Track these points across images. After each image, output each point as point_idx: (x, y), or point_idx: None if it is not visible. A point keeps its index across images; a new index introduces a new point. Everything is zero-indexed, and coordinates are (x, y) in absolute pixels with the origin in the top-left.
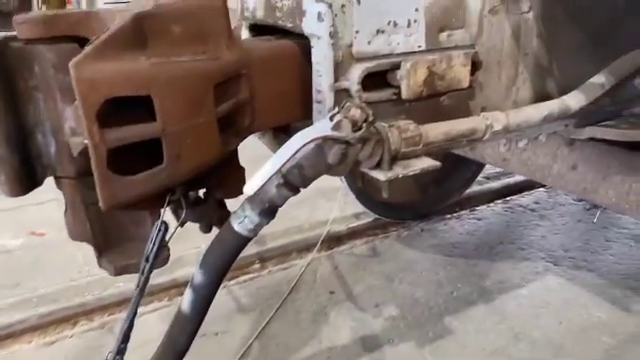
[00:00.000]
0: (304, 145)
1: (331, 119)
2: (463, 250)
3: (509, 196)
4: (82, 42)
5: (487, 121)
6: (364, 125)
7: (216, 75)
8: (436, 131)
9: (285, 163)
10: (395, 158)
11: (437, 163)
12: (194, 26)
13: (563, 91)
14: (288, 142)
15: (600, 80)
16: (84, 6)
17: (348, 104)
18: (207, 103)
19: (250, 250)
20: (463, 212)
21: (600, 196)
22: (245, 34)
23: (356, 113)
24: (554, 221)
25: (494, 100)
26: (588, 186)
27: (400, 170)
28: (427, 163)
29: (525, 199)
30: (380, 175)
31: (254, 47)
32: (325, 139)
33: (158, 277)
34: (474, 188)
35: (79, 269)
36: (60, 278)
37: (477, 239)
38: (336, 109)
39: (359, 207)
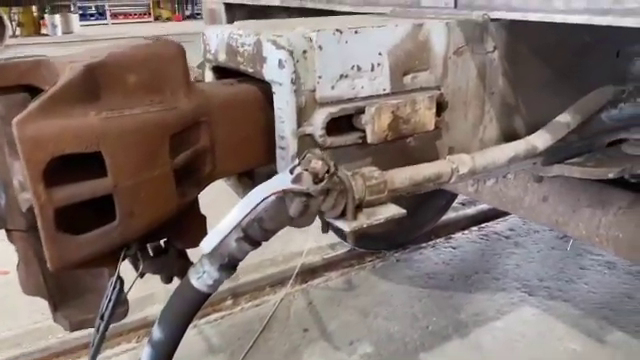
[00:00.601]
0: (264, 199)
1: (291, 172)
2: (438, 281)
3: (484, 222)
4: (34, 91)
5: (453, 164)
6: (326, 176)
7: (172, 125)
8: (401, 176)
9: (245, 217)
10: (360, 207)
11: (403, 211)
12: (149, 76)
13: (531, 128)
14: (247, 196)
15: (566, 119)
16: (59, 30)
17: (309, 155)
18: (162, 155)
19: (222, 286)
20: (439, 240)
21: (571, 229)
22: (209, 75)
23: (317, 165)
24: (529, 248)
25: (461, 140)
26: (559, 219)
27: (364, 220)
28: (393, 211)
29: (500, 226)
30: (344, 225)
31: (215, 93)
32: (286, 192)
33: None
34: (449, 214)
35: (43, 311)
36: (23, 320)
37: (452, 269)
38: (296, 161)
39: (334, 237)
